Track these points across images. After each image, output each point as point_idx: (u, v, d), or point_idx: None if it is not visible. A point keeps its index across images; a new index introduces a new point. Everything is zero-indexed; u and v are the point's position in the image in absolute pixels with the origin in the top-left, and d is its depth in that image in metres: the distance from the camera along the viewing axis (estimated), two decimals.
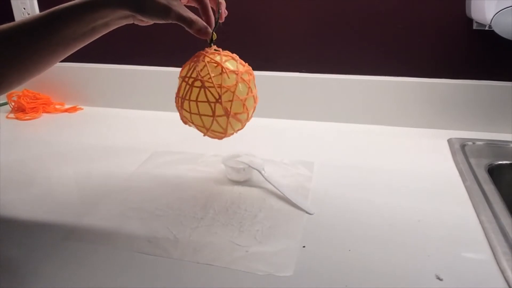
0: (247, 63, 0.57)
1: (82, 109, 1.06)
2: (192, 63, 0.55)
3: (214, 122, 0.55)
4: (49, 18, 0.52)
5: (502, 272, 0.47)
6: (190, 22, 0.52)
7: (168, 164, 0.74)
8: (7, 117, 1.01)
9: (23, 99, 1.02)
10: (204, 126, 0.56)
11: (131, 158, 0.76)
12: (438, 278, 0.46)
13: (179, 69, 1.04)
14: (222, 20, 0.57)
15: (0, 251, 0.52)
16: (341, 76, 0.91)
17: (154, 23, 0.55)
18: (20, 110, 1.02)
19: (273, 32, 0.93)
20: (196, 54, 0.56)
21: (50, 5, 0.88)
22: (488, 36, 0.82)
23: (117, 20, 0.55)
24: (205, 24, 0.53)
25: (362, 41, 0.89)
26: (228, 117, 0.54)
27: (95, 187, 0.67)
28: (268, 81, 0.94)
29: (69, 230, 0.56)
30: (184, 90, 0.54)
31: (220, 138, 0.58)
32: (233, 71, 0.54)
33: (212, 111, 0.54)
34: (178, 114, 0.58)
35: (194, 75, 0.54)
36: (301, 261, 0.50)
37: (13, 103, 1.03)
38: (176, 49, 0.99)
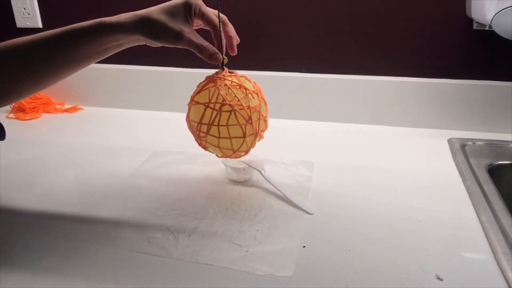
0: (254, 80, 0.58)
1: (82, 109, 1.06)
2: (212, 88, 0.54)
3: (244, 142, 0.55)
4: (64, 37, 0.53)
5: (502, 272, 0.47)
6: (201, 49, 0.53)
7: (168, 164, 0.74)
8: (7, 117, 1.01)
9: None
10: (231, 149, 0.55)
11: (131, 158, 0.76)
12: (438, 278, 0.46)
13: (179, 69, 1.04)
14: (234, 53, 0.58)
15: (0, 251, 0.52)
16: (341, 76, 0.91)
17: None
18: (20, 110, 1.02)
19: (274, 32, 0.93)
20: (210, 78, 0.56)
21: (50, 5, 0.88)
22: (488, 36, 0.82)
23: (131, 42, 0.56)
24: (215, 49, 0.54)
25: (362, 41, 0.89)
26: (256, 136, 0.56)
27: (95, 187, 0.67)
28: (268, 81, 0.94)
29: (69, 230, 0.56)
30: (211, 116, 0.54)
31: (240, 157, 0.59)
32: (254, 91, 0.56)
33: (243, 133, 0.54)
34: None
35: (219, 100, 0.53)
36: (301, 261, 0.50)
37: (13, 103, 1.03)
38: (176, 49, 0.98)
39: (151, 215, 0.59)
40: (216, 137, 0.54)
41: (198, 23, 0.57)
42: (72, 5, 1.02)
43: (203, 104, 0.54)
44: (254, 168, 0.66)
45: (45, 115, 1.03)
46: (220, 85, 0.54)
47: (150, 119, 0.99)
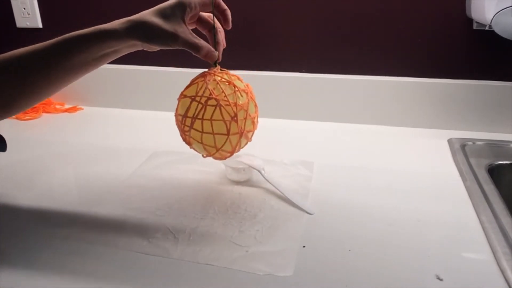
0: (247, 82, 0.58)
1: (82, 109, 1.06)
2: (200, 83, 0.54)
3: (227, 141, 0.54)
4: (60, 46, 0.53)
5: (502, 272, 0.47)
6: (197, 48, 0.53)
7: (168, 164, 0.74)
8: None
9: None
10: (215, 146, 0.55)
11: (131, 158, 0.76)
12: (438, 278, 0.46)
13: (179, 69, 1.04)
14: (219, 60, 0.57)
15: (0, 251, 0.52)
16: (341, 76, 0.91)
17: None
18: None
19: (274, 32, 0.93)
20: (201, 74, 0.56)
21: (50, 5, 0.88)
22: (488, 36, 0.82)
23: (127, 48, 0.56)
24: (211, 48, 0.54)
25: (362, 41, 0.89)
26: (241, 136, 0.54)
27: (95, 187, 0.67)
28: (268, 81, 0.94)
29: (69, 230, 0.56)
30: (196, 109, 0.53)
31: (224, 158, 0.57)
32: (244, 90, 0.55)
33: (227, 130, 0.53)
34: None
35: (206, 94, 0.53)
36: (301, 261, 0.50)
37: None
38: (175, 49, 0.99)
39: (151, 215, 0.59)
40: (199, 131, 0.53)
41: (195, 20, 0.57)
42: (72, 5, 1.02)
43: (190, 97, 0.54)
44: (254, 168, 0.66)
45: (45, 115, 1.03)
46: (209, 80, 0.54)
47: (150, 119, 0.99)
